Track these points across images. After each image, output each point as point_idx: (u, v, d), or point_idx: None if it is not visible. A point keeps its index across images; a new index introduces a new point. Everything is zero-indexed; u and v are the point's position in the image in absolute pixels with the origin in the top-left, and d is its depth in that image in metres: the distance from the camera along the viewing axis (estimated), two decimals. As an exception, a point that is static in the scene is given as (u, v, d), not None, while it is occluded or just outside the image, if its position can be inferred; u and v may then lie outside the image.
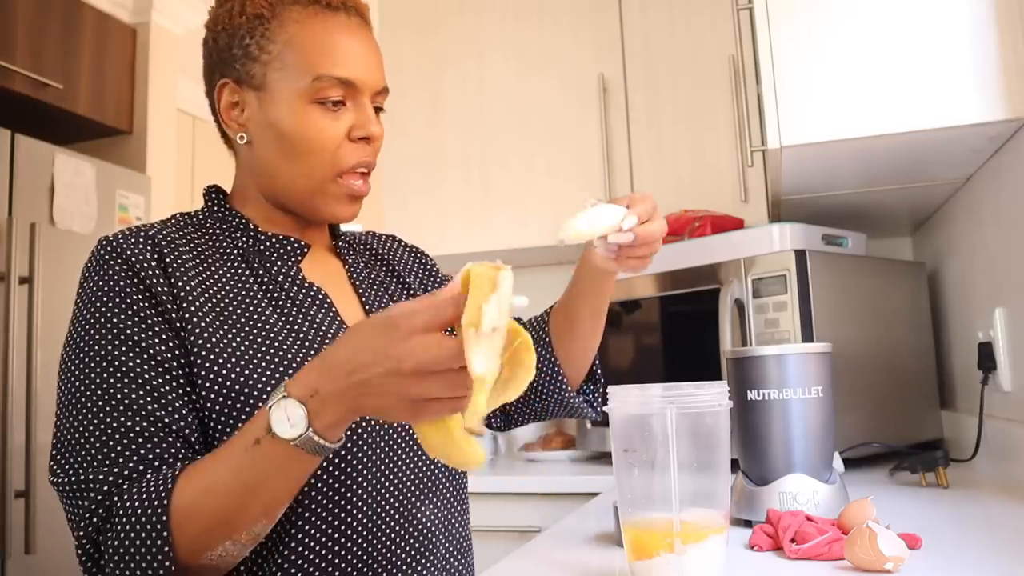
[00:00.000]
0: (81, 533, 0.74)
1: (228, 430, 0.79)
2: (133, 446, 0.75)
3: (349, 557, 0.82)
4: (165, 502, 0.71)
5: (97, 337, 0.79)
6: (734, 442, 1.03)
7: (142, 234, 0.85)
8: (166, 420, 0.77)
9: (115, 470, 0.74)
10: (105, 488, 0.74)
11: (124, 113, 2.84)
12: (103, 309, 0.80)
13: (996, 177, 1.42)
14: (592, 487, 1.77)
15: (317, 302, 0.90)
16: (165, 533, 0.70)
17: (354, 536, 0.82)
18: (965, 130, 1.26)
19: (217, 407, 0.79)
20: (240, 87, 0.89)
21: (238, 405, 0.79)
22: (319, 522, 0.81)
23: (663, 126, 2.22)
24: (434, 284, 1.11)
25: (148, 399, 0.77)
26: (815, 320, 1.54)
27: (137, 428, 0.76)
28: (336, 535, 0.81)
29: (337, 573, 0.81)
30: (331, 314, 0.90)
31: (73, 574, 2.36)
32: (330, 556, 0.81)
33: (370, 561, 0.83)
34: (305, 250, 0.93)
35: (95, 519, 0.74)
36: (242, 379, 0.80)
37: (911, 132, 1.27)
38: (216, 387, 0.79)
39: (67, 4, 2.61)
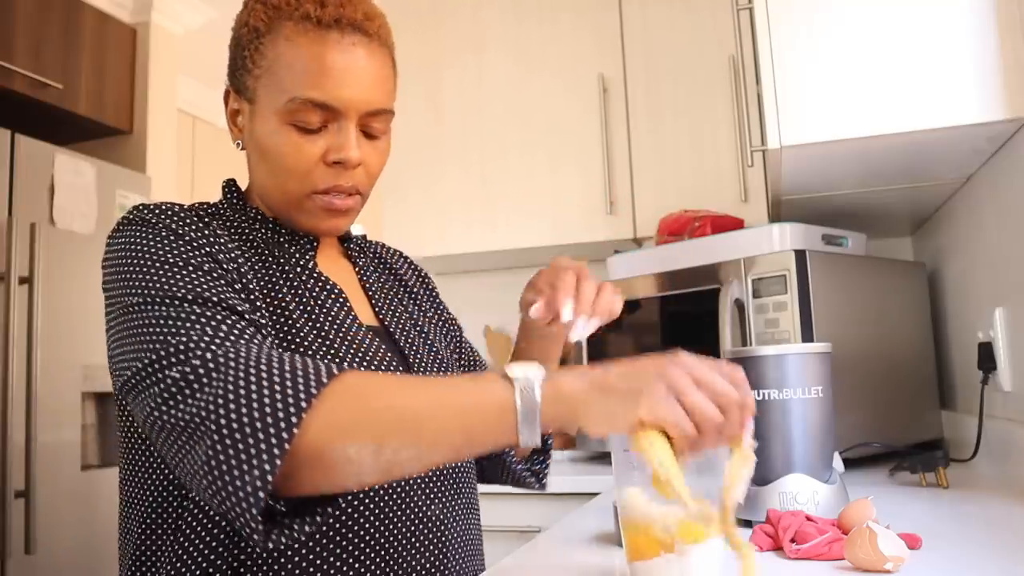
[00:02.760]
0: (176, 375, 0.66)
1: None
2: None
3: (364, 558, 0.81)
4: (338, 367, 0.66)
5: (161, 261, 0.77)
6: (734, 442, 1.03)
7: (179, 206, 0.85)
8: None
9: (223, 333, 0.70)
10: (216, 342, 0.68)
11: (124, 113, 2.84)
12: (155, 245, 0.78)
13: (996, 177, 1.42)
14: (592, 487, 1.77)
15: (333, 295, 0.91)
16: (324, 380, 0.63)
17: (366, 537, 0.81)
18: (965, 130, 1.26)
19: None
20: (239, 96, 0.90)
21: None
22: (329, 527, 0.80)
23: (663, 126, 2.22)
24: (434, 307, 1.12)
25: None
26: (815, 320, 1.54)
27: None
28: (343, 541, 0.80)
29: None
30: (346, 308, 0.91)
31: (73, 574, 2.37)
32: (340, 561, 0.80)
33: (387, 558, 0.82)
34: (315, 243, 0.94)
35: (197, 362, 0.66)
36: None
37: (911, 132, 1.27)
38: None
39: (67, 4, 2.61)
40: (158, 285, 0.75)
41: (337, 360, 0.84)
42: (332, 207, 0.88)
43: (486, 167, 2.38)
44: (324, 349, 0.84)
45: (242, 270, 0.83)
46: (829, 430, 1.04)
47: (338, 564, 0.80)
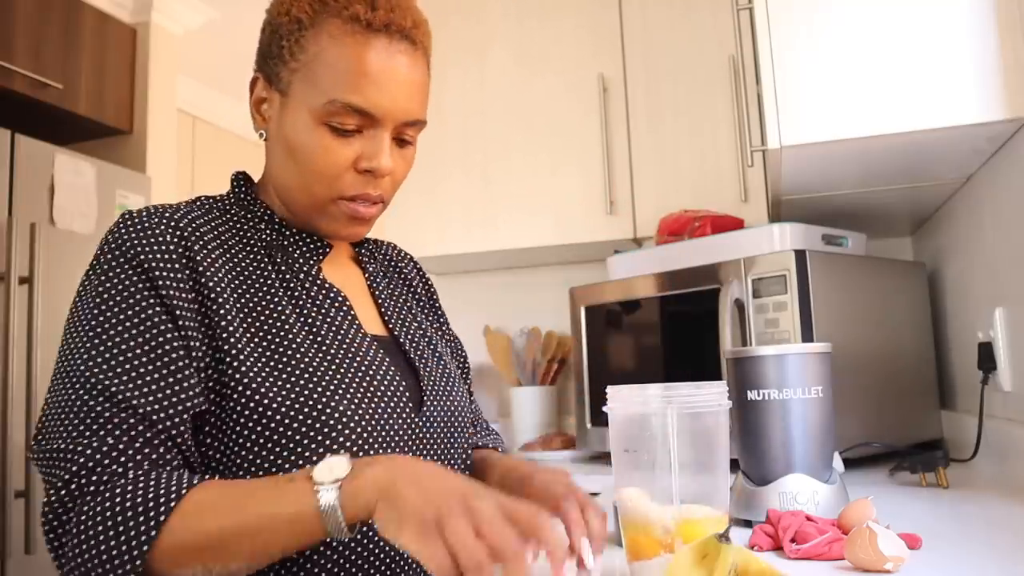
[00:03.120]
0: (54, 498, 0.71)
1: (240, 440, 0.78)
2: (125, 438, 0.73)
3: (366, 567, 0.81)
4: (177, 492, 0.69)
5: (101, 322, 0.77)
6: (734, 442, 1.03)
7: (166, 217, 0.82)
8: (156, 419, 0.74)
9: (105, 448, 0.72)
10: (94, 461, 0.71)
11: (124, 113, 2.84)
12: (110, 292, 0.79)
13: (996, 177, 1.42)
14: (592, 487, 1.77)
15: (336, 304, 0.88)
16: (160, 518, 0.67)
17: (369, 545, 0.81)
18: (965, 130, 1.26)
19: (232, 421, 0.77)
20: (269, 85, 0.88)
21: (251, 422, 0.77)
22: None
23: (663, 126, 2.22)
24: (438, 319, 1.10)
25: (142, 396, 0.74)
26: (815, 320, 1.54)
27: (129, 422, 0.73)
28: (347, 551, 0.80)
29: None
30: (349, 318, 0.88)
31: (73, 574, 2.34)
32: (336, 566, 0.79)
33: (391, 565, 0.82)
34: (327, 250, 0.92)
35: (73, 486, 0.70)
36: (260, 393, 0.78)
37: (911, 132, 1.27)
38: (234, 397, 0.77)
39: (67, 4, 2.61)
40: (93, 364, 0.74)
41: (340, 374, 0.82)
42: (357, 214, 0.87)
43: (487, 167, 2.38)
44: (326, 364, 0.82)
45: (213, 295, 0.80)
46: (829, 430, 1.04)
47: (334, 570, 0.79)
